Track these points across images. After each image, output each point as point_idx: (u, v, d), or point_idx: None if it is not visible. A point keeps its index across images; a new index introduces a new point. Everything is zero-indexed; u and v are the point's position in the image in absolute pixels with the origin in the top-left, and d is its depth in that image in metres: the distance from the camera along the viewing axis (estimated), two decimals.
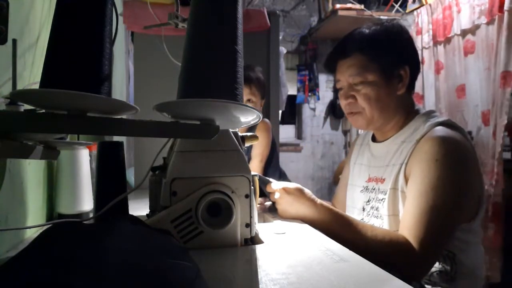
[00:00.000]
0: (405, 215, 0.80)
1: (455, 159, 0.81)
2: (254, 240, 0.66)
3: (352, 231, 0.79)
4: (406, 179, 0.85)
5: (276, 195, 0.86)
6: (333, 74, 1.01)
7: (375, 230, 0.80)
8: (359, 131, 3.77)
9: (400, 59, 0.93)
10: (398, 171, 0.87)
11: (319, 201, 0.85)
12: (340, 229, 0.80)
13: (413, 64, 0.95)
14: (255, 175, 0.70)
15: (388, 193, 0.88)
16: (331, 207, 0.85)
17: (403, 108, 0.95)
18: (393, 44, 0.93)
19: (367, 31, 0.94)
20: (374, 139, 1.05)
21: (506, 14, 1.72)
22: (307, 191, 0.86)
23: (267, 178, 0.90)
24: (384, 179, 0.93)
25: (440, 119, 0.88)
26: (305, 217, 0.83)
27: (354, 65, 0.93)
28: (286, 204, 0.85)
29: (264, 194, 0.93)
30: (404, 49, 0.94)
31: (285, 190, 0.85)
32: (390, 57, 0.92)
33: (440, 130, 0.84)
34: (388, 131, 0.98)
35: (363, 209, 0.99)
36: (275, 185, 0.87)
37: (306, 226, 0.81)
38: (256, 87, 1.34)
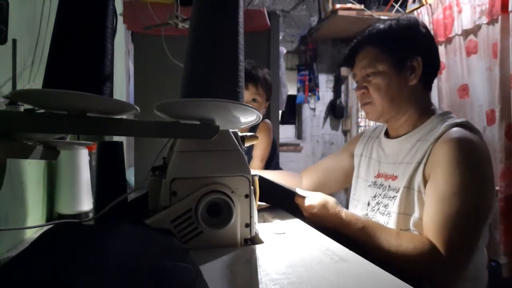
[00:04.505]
0: (429, 220, 0.80)
1: (476, 162, 0.81)
2: (254, 240, 0.66)
3: (376, 241, 0.81)
4: (425, 180, 0.84)
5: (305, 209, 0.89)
6: (352, 69, 1.03)
7: (400, 238, 0.80)
8: (359, 131, 3.77)
9: (412, 50, 0.93)
10: (415, 170, 0.86)
11: (343, 212, 0.86)
12: (365, 240, 0.83)
13: (428, 57, 0.94)
14: (255, 175, 0.70)
15: (401, 191, 0.87)
16: (356, 217, 0.86)
17: (416, 103, 0.95)
18: (405, 35, 0.94)
19: (381, 25, 0.96)
20: (387, 135, 1.05)
21: (511, 15, 1.71)
22: (331, 204, 0.87)
23: (301, 193, 0.91)
24: (396, 176, 0.92)
25: (458, 120, 0.88)
26: (332, 229, 0.87)
27: (366, 57, 0.96)
28: (314, 219, 0.88)
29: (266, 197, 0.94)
30: (416, 40, 0.94)
31: (311, 207, 0.87)
32: (400, 48, 0.93)
33: (458, 132, 0.84)
34: (400, 127, 0.98)
35: (368, 204, 0.99)
36: (307, 200, 0.88)
37: (306, 226, 0.81)
38: (262, 88, 1.33)
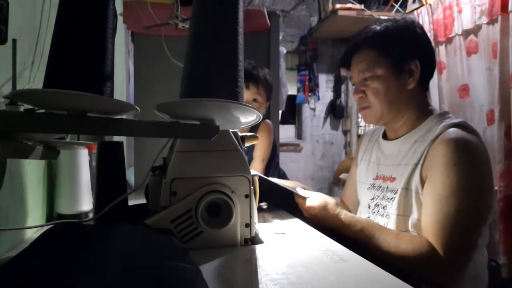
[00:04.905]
0: (428, 221, 0.80)
1: (473, 163, 0.81)
2: (254, 240, 0.66)
3: (375, 243, 0.82)
4: (422, 181, 0.84)
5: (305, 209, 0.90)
6: (349, 70, 1.02)
7: (399, 239, 0.80)
8: (359, 131, 3.77)
9: (410, 53, 0.92)
10: (412, 171, 0.86)
11: (343, 214, 0.87)
12: (364, 242, 0.84)
13: (426, 59, 0.94)
14: (256, 175, 0.70)
15: (399, 193, 0.88)
16: (355, 219, 0.86)
17: (414, 105, 0.94)
18: (403, 38, 0.92)
19: (378, 27, 0.95)
20: (385, 137, 1.05)
21: (511, 15, 1.70)
22: (331, 205, 0.87)
23: (302, 194, 0.90)
24: (394, 178, 0.92)
25: (455, 121, 0.88)
26: (333, 229, 0.87)
27: (364, 60, 0.94)
28: (315, 220, 0.89)
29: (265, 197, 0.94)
30: (414, 43, 0.93)
31: (311, 209, 0.87)
32: (399, 51, 0.92)
33: (455, 132, 0.83)
34: (399, 129, 0.97)
35: (368, 206, 0.99)
36: (308, 201, 0.89)
37: (306, 226, 0.81)
38: (263, 88, 1.33)
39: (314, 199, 0.88)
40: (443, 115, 0.92)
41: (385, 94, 0.92)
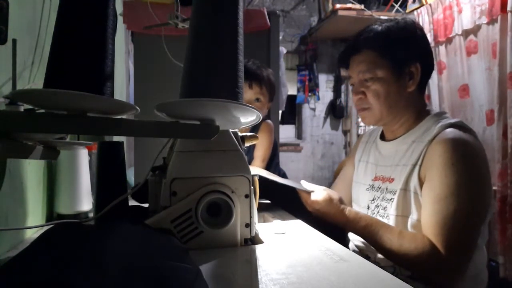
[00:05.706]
0: (427, 222, 0.80)
1: (471, 162, 0.81)
2: (254, 240, 0.66)
3: (378, 240, 0.82)
4: (421, 182, 0.84)
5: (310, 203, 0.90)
6: (347, 70, 1.01)
7: (402, 237, 0.81)
8: (359, 131, 3.77)
9: (411, 56, 0.92)
10: (410, 172, 0.87)
11: (347, 210, 0.87)
12: (367, 239, 0.85)
13: (425, 61, 0.94)
14: (255, 175, 0.70)
15: (398, 193, 0.88)
16: (359, 216, 0.87)
17: (413, 107, 0.95)
18: (404, 41, 0.92)
19: (379, 28, 0.94)
20: (382, 137, 1.05)
21: (509, 14, 1.71)
22: (335, 201, 0.88)
23: (305, 188, 0.90)
24: (393, 179, 0.92)
25: (452, 121, 0.88)
26: (336, 225, 0.88)
27: (364, 61, 0.94)
28: (318, 214, 0.89)
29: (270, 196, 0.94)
30: (415, 45, 0.93)
31: (316, 203, 0.88)
32: (400, 54, 0.91)
33: (452, 132, 0.84)
34: (397, 130, 0.97)
35: (368, 207, 0.99)
36: (312, 196, 0.89)
37: (306, 226, 0.81)
38: (266, 88, 1.33)
39: (318, 193, 0.88)
40: (440, 115, 0.93)
41: (386, 97, 0.92)
